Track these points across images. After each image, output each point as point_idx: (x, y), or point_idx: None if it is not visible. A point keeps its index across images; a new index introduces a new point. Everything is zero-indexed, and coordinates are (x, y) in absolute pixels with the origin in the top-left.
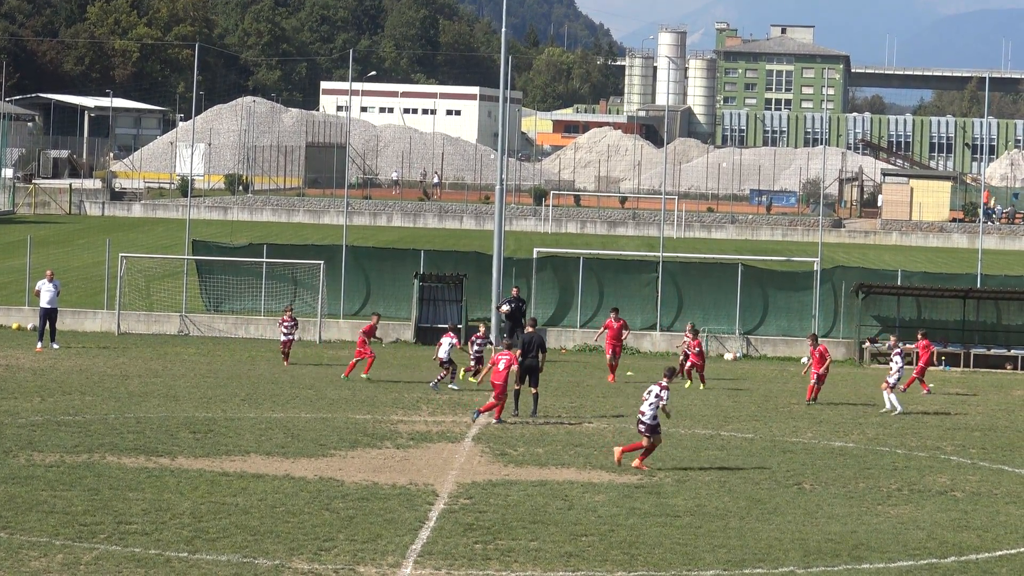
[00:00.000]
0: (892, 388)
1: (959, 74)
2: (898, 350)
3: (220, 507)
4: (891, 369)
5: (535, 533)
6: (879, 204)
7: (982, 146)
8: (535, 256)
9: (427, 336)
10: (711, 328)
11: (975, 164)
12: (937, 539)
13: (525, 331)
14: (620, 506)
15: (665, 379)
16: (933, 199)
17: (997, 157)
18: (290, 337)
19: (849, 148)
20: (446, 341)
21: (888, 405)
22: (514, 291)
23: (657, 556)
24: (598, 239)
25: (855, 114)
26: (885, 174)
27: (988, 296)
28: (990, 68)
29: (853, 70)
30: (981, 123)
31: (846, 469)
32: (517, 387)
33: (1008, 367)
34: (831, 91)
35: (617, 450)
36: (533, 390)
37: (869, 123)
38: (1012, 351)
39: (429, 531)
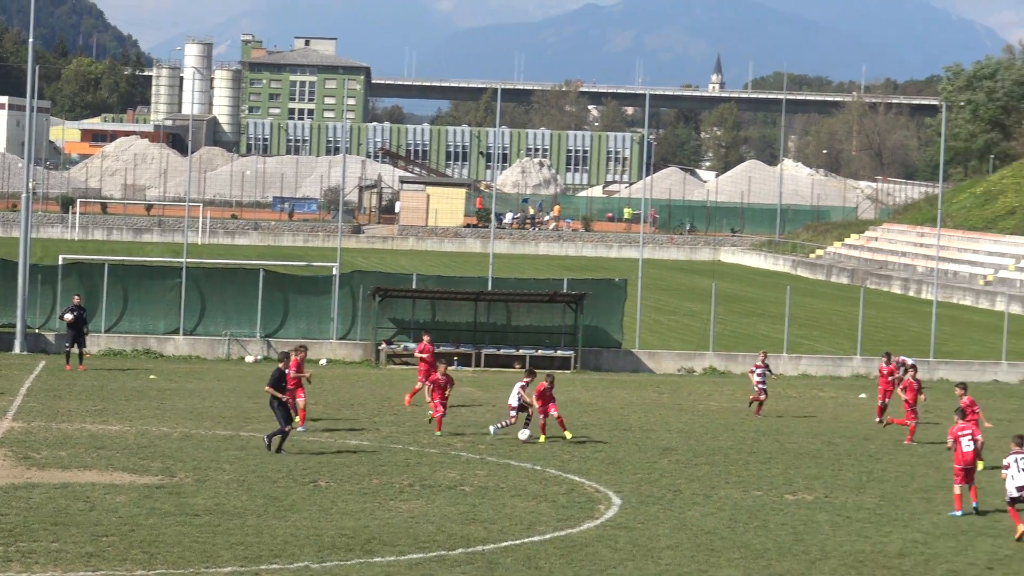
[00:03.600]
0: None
1: (474, 85)
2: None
3: None
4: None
5: (56, 534)
6: (397, 210)
7: (495, 154)
8: (61, 263)
9: None
10: (234, 332)
11: (489, 171)
12: (446, 532)
13: None
14: (141, 506)
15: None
16: (449, 205)
17: (510, 165)
18: None
19: (369, 156)
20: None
21: None
22: (75, 299)
23: (176, 554)
24: (124, 246)
25: (375, 123)
26: (403, 181)
27: (499, 298)
28: (503, 80)
29: (374, 81)
30: (494, 132)
31: (361, 466)
32: None
33: (517, 366)
34: (352, 101)
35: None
36: None
37: (389, 132)
38: (521, 351)
39: None
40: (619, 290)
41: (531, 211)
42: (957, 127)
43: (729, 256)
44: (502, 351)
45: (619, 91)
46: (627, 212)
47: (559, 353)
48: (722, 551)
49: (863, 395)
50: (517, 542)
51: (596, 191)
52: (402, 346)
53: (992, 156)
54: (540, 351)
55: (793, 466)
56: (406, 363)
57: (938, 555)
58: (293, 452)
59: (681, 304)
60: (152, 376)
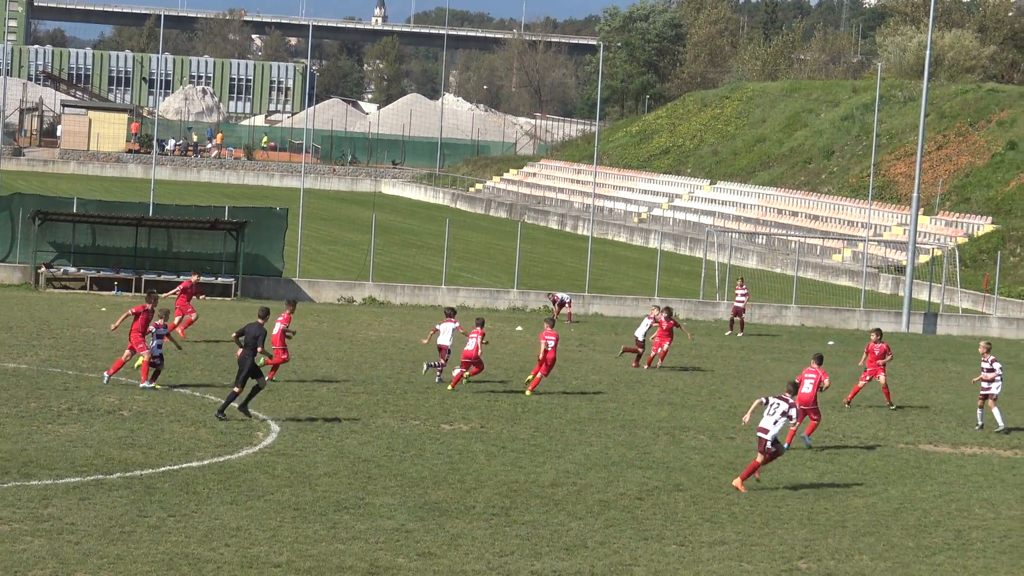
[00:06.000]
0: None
1: (138, 11)
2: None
3: None
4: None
5: None
6: (59, 134)
7: (159, 80)
8: None
9: None
10: None
11: (151, 98)
12: (104, 456)
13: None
14: None
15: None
16: (111, 131)
17: (173, 91)
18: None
19: (31, 79)
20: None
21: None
22: None
23: None
24: None
25: (37, 47)
26: (65, 105)
27: (160, 224)
28: (167, 6)
29: (36, 3)
30: (158, 58)
31: (18, 390)
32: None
33: None
34: (13, 23)
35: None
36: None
37: (51, 56)
38: (181, 277)
39: None
40: (280, 219)
41: (195, 138)
42: (615, 67)
43: (390, 188)
44: (163, 277)
45: (283, 21)
46: (264, 140)
47: (220, 280)
48: (379, 479)
49: (519, 328)
50: (175, 467)
51: (259, 120)
52: (62, 270)
53: (647, 96)
54: (201, 278)
55: (450, 396)
56: (66, 287)
57: (590, 485)
58: None
59: (342, 234)
60: None
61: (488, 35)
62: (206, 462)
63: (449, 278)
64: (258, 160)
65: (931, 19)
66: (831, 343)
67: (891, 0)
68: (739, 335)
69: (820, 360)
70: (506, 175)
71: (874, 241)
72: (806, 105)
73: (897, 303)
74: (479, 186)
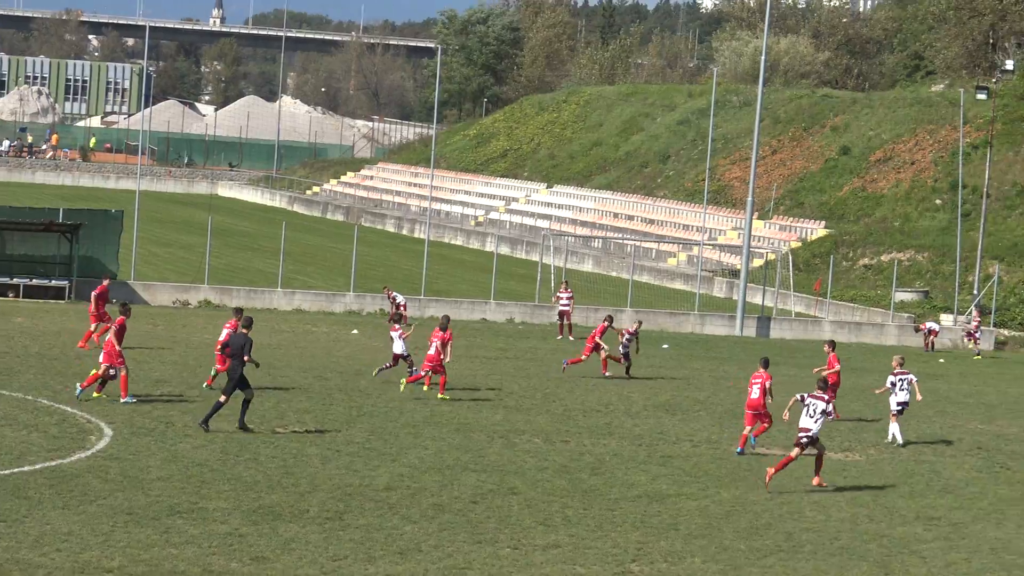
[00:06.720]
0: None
1: None
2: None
3: None
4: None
5: None
6: None
7: None
8: None
9: None
10: None
11: None
12: None
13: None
14: None
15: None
16: None
17: (8, 92)
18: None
19: None
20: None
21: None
22: None
23: None
24: None
25: None
26: None
27: None
28: (2, 6)
29: None
30: None
31: None
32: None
33: (11, 295)
34: None
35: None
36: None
37: None
38: (15, 280)
39: None
40: (115, 221)
41: (29, 139)
42: (452, 70)
43: (226, 190)
44: None
45: (120, 22)
46: (92, 142)
47: (54, 283)
48: (213, 483)
49: (355, 331)
50: (6, 472)
51: (95, 121)
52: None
53: (485, 100)
54: (35, 280)
55: (285, 400)
56: None
57: (424, 489)
58: None
59: (177, 237)
60: None
61: (326, 37)
62: (38, 466)
63: (285, 281)
64: (93, 162)
65: (766, 25)
66: (665, 346)
67: (727, 5)
68: (571, 339)
69: (767, 364)
70: (343, 178)
71: (709, 245)
72: (643, 109)
73: (731, 307)
74: (316, 189)
